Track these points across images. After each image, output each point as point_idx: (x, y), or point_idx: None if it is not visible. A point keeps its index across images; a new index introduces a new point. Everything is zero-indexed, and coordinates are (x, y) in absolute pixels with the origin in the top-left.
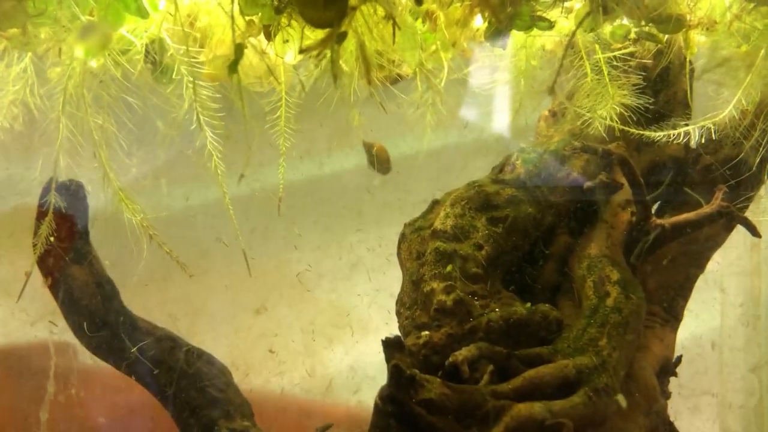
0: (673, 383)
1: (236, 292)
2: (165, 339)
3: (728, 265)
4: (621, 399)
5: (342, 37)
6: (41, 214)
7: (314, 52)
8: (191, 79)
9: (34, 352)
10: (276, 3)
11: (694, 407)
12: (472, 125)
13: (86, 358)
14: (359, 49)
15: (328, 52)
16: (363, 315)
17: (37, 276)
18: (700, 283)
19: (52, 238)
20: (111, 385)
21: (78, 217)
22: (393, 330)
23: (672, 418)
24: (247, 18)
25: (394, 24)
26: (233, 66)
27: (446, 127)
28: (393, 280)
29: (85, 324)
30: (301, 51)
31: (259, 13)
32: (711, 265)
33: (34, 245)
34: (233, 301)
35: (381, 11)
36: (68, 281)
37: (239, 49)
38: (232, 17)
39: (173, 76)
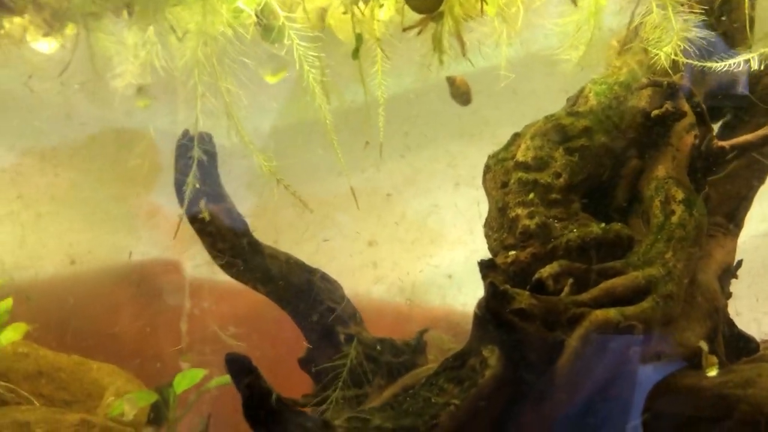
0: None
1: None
2: (288, 261)
3: None
4: (703, 344)
5: (440, 17)
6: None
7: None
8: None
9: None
10: None
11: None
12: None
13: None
14: (454, 27)
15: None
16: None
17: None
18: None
19: (197, 185)
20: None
21: (210, 163)
22: (477, 239)
23: (733, 315)
24: None
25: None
26: (355, 53)
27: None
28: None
29: (224, 252)
30: (404, 29)
31: None
32: None
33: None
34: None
35: None
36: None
37: (359, 38)
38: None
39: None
